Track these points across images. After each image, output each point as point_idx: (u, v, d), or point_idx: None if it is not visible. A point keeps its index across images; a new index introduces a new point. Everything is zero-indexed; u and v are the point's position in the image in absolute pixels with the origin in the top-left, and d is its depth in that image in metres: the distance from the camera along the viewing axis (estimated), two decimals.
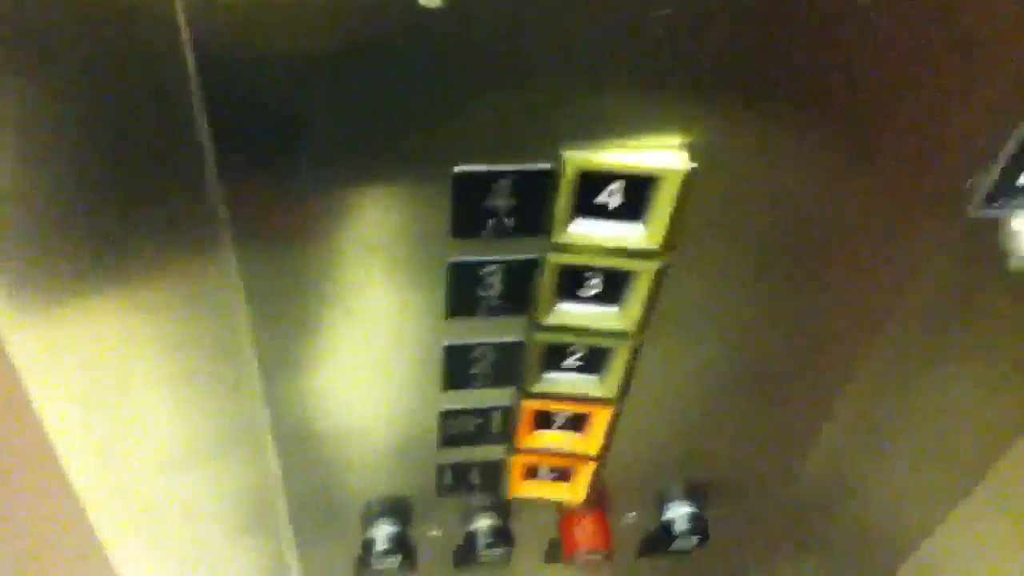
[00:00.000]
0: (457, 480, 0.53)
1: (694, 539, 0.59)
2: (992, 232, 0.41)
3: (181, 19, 0.30)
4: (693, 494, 0.59)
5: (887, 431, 0.56)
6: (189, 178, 0.35)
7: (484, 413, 0.48)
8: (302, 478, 0.51)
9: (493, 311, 0.42)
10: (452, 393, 0.47)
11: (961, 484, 0.63)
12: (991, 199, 0.39)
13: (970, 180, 0.39)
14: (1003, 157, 0.38)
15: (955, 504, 0.65)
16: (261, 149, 0.34)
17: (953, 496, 0.65)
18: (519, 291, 0.41)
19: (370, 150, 0.35)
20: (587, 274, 0.41)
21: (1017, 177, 0.38)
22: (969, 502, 0.64)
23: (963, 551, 0.67)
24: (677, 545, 0.60)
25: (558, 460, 0.52)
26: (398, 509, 0.56)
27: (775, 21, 0.32)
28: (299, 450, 0.49)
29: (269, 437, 0.48)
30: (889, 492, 0.63)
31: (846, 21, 0.33)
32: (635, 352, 0.44)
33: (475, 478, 0.54)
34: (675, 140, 0.36)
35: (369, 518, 0.56)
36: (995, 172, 0.38)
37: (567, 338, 0.44)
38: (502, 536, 0.57)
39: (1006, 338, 0.50)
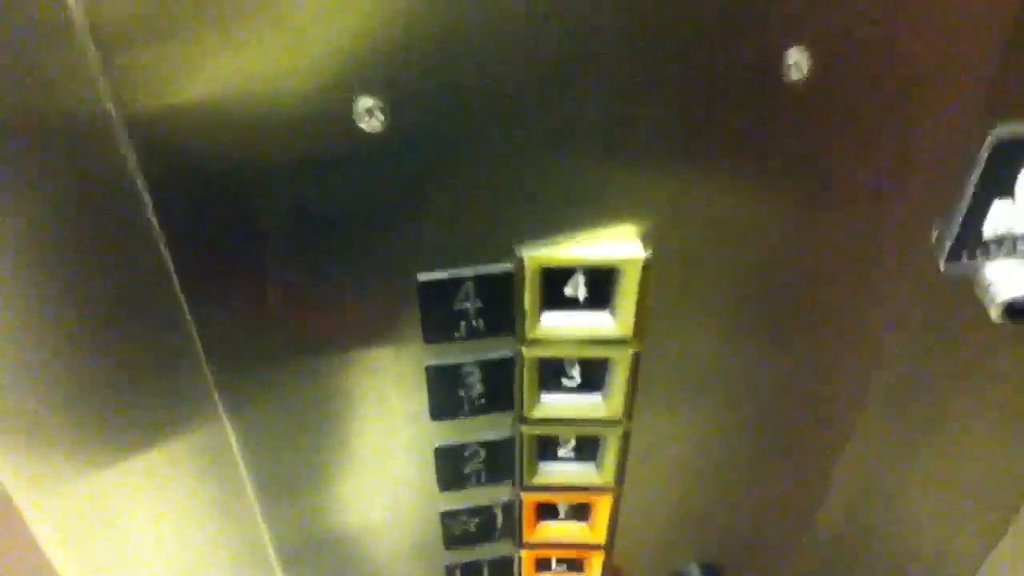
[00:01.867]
0: None
1: None
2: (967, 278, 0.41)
3: (128, 152, 0.31)
4: (710, 567, 0.58)
5: (898, 483, 0.55)
6: (164, 317, 0.36)
7: (485, 511, 0.48)
8: None
9: (477, 409, 0.42)
10: (450, 494, 0.47)
11: (993, 526, 0.61)
12: (956, 253, 0.39)
13: (935, 233, 0.39)
14: (963, 210, 0.38)
15: (990, 548, 0.63)
16: (224, 267, 0.35)
17: (987, 540, 0.62)
18: (501, 388, 0.41)
19: (333, 263, 0.36)
20: (566, 365, 0.41)
21: (978, 228, 0.38)
22: (1006, 545, 0.62)
23: None
24: None
25: (567, 552, 0.52)
26: None
27: (713, 103, 0.33)
28: (305, 565, 0.49)
29: (274, 557, 0.48)
30: (912, 547, 0.62)
31: (781, 102, 0.33)
32: (626, 436, 0.44)
33: (486, 575, 0.53)
34: (630, 229, 0.36)
35: None
36: (957, 225, 0.38)
37: (556, 430, 0.44)
38: None
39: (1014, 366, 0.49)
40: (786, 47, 0.32)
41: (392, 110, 0.31)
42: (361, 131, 0.31)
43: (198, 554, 0.47)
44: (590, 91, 0.32)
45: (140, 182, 0.32)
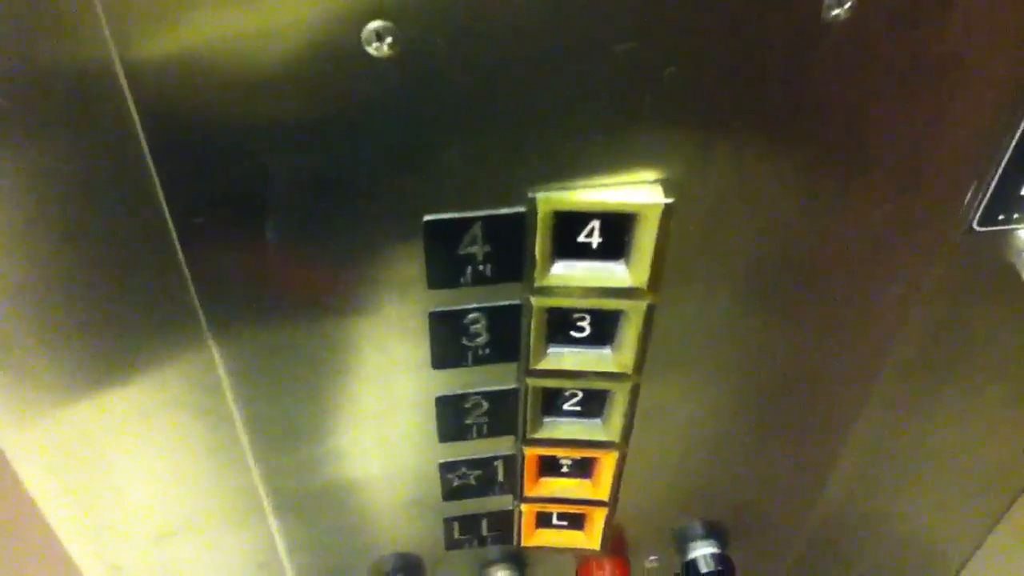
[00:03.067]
0: (466, 532, 0.52)
1: None
2: (994, 245, 0.39)
3: (129, 98, 0.29)
4: (714, 532, 0.57)
5: (907, 457, 0.54)
6: (156, 257, 0.34)
7: (486, 463, 0.47)
8: (305, 540, 0.50)
9: (481, 359, 0.40)
10: (449, 445, 0.45)
11: (997, 505, 0.60)
12: (990, 215, 0.37)
13: (968, 195, 0.37)
14: (1001, 167, 0.36)
15: (991, 530, 0.62)
16: (222, 215, 0.33)
17: (988, 522, 0.62)
18: (506, 337, 0.40)
19: (337, 205, 0.34)
20: (575, 316, 0.40)
21: (1015, 190, 0.36)
22: (1002, 532, 0.61)
23: None
24: None
25: (569, 507, 0.51)
26: (409, 565, 0.54)
27: (743, 46, 0.31)
28: (299, 513, 0.48)
29: (266, 503, 0.47)
30: (917, 521, 0.61)
31: (818, 43, 0.31)
32: (634, 393, 0.43)
33: (485, 529, 0.52)
34: (650, 175, 0.34)
35: (380, 574, 0.55)
36: (993, 183, 0.36)
37: (562, 382, 0.42)
38: None
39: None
40: None
41: (403, 34, 0.29)
42: (370, 57, 0.29)
43: (188, 495, 0.46)
44: (615, 27, 0.30)
45: (137, 118, 0.30)
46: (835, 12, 0.30)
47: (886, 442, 0.52)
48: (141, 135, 0.30)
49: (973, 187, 0.37)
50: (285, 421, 0.43)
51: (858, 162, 0.36)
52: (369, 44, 0.29)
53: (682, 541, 0.57)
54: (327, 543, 0.51)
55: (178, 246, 0.34)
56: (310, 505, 0.48)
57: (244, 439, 0.43)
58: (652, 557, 0.58)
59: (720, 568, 0.56)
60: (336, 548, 0.52)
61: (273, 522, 0.49)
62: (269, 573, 0.52)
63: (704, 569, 0.56)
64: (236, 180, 0.32)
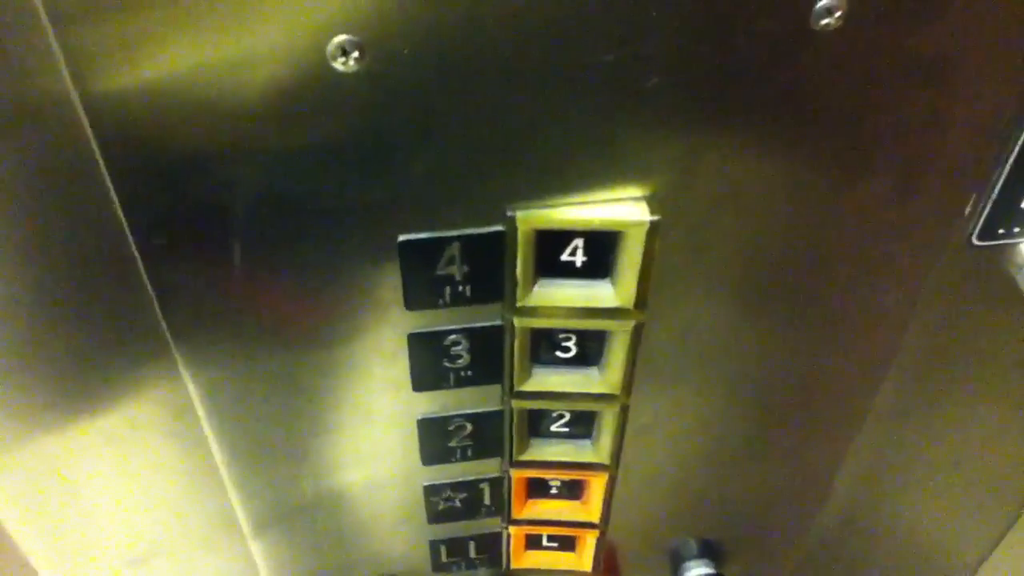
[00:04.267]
0: (453, 555, 0.50)
1: None
2: (994, 258, 0.38)
3: (87, 127, 0.28)
4: (709, 550, 0.55)
5: (910, 470, 0.53)
6: (123, 282, 0.33)
7: (471, 486, 0.45)
8: (286, 564, 0.49)
9: (463, 381, 0.39)
10: (433, 468, 0.44)
11: (1006, 514, 0.59)
12: (990, 228, 0.36)
13: (967, 208, 0.36)
14: (1000, 181, 0.34)
15: (1002, 536, 0.61)
16: (188, 239, 0.32)
17: (998, 528, 0.60)
18: (489, 359, 0.38)
19: (307, 226, 0.33)
20: (560, 336, 0.38)
21: (1015, 203, 0.35)
22: (1010, 543, 0.60)
23: None
24: None
25: (559, 529, 0.49)
26: None
27: (730, 56, 0.30)
28: (279, 537, 0.47)
29: (245, 526, 0.45)
30: (920, 534, 0.59)
31: (808, 52, 0.30)
32: (623, 413, 0.41)
33: (473, 552, 0.51)
34: (634, 191, 0.33)
35: None
36: (992, 197, 0.35)
37: (548, 404, 0.41)
38: None
39: None
40: None
41: (370, 48, 0.27)
42: (336, 72, 0.28)
43: (162, 519, 0.44)
44: (595, 33, 0.29)
45: (96, 147, 0.29)
46: (825, 21, 0.29)
47: (887, 453, 0.50)
48: (101, 162, 0.29)
49: (972, 200, 0.35)
50: (262, 445, 0.41)
51: (852, 172, 0.34)
52: (335, 59, 0.27)
53: (676, 561, 0.55)
54: (308, 567, 0.50)
55: (143, 271, 0.33)
56: (290, 528, 0.47)
57: (220, 463, 0.42)
58: None
59: None
60: (317, 569, 0.50)
61: (253, 545, 0.47)
62: None
63: None
64: (202, 203, 0.31)
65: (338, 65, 0.28)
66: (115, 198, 0.30)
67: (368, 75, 0.28)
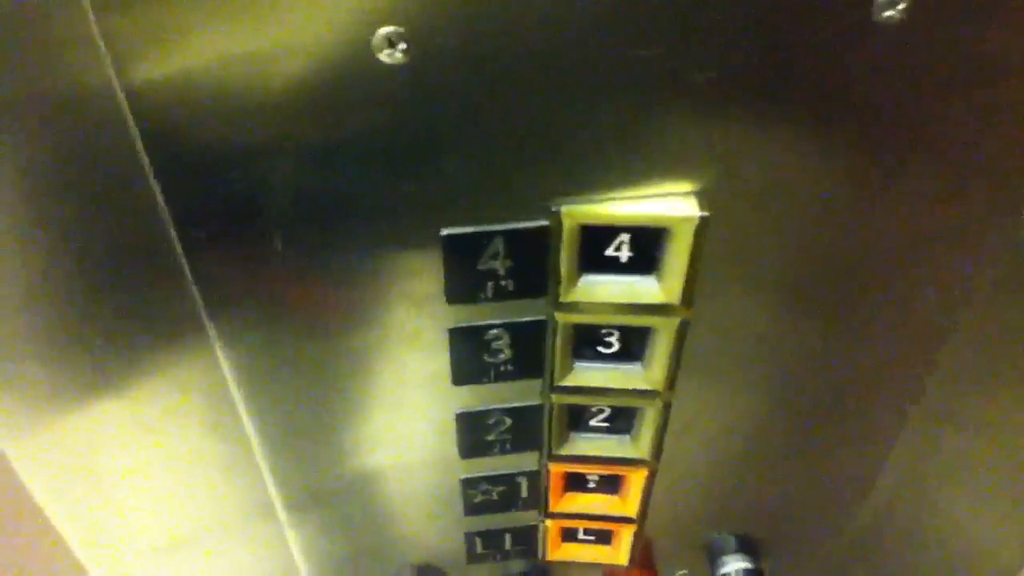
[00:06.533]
0: (489, 547, 0.50)
1: None
2: None
3: (129, 117, 0.28)
4: (746, 547, 0.55)
5: (951, 471, 0.51)
6: (161, 267, 0.33)
7: (509, 479, 0.45)
8: (322, 552, 0.49)
9: (503, 376, 0.38)
10: (471, 461, 0.43)
11: None
12: None
13: (1022, 203, 0.35)
14: None
15: None
16: (230, 229, 0.32)
17: None
18: (530, 354, 0.38)
19: (350, 218, 0.32)
20: (602, 332, 0.37)
21: None
22: None
23: None
24: None
25: (596, 523, 0.49)
26: None
27: (785, 49, 0.29)
28: (315, 525, 0.47)
29: (281, 514, 0.45)
30: (961, 536, 0.58)
31: (867, 45, 0.29)
32: (666, 410, 0.40)
33: (508, 544, 0.50)
34: (683, 186, 0.32)
35: None
36: None
37: (589, 399, 0.40)
38: None
39: None
40: None
41: (415, 40, 0.27)
42: (382, 64, 0.27)
43: (199, 505, 0.44)
44: (645, 26, 0.28)
45: (138, 136, 0.28)
46: (888, 13, 0.27)
47: (929, 455, 0.49)
48: (143, 153, 0.29)
49: None
50: (298, 432, 0.41)
51: (905, 166, 0.33)
52: (381, 51, 0.27)
53: (713, 555, 0.55)
54: (344, 555, 0.50)
55: (183, 258, 0.33)
56: (325, 515, 0.46)
57: (257, 452, 0.41)
58: (682, 572, 0.55)
59: None
60: (353, 560, 0.50)
61: (288, 533, 0.47)
62: None
63: None
64: (243, 194, 0.31)
65: (384, 57, 0.27)
66: (156, 187, 0.30)
67: (413, 67, 0.27)
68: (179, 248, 0.32)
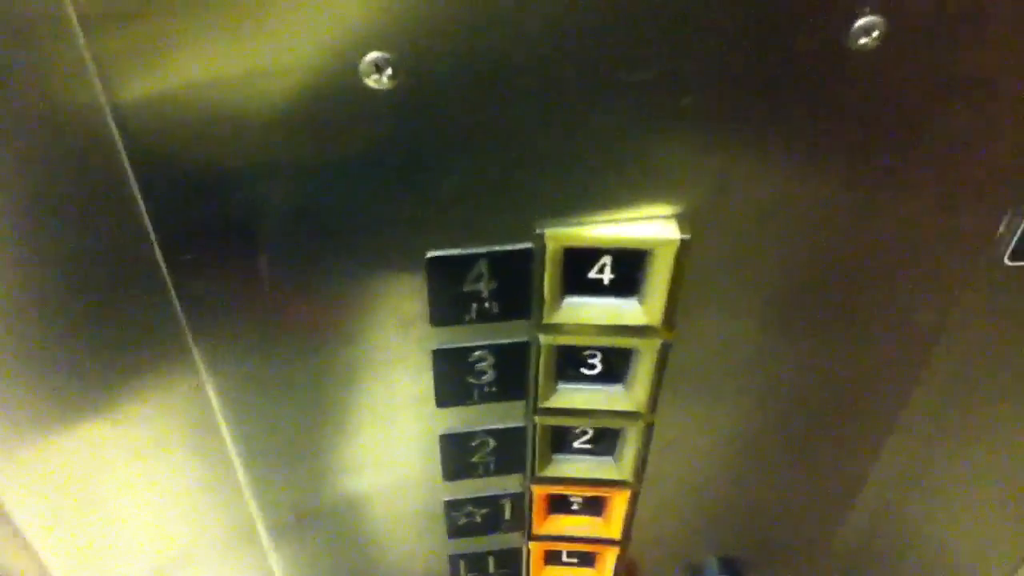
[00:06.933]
0: (473, 570, 0.50)
1: None
2: None
3: (116, 136, 0.28)
4: (730, 566, 0.55)
5: (936, 487, 0.52)
6: (146, 288, 0.33)
7: (492, 501, 0.45)
8: (306, 573, 0.49)
9: (487, 397, 0.39)
10: (455, 483, 0.43)
11: None
12: (1022, 249, 0.35)
13: (1000, 228, 0.35)
14: None
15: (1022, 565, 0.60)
16: (215, 250, 0.32)
17: (1019, 556, 0.59)
18: (514, 375, 0.38)
19: (335, 241, 0.32)
20: (586, 353, 0.38)
21: None
22: None
23: None
24: None
25: (579, 545, 0.49)
26: None
27: (765, 74, 0.29)
28: (298, 547, 0.47)
29: (264, 537, 0.45)
30: (945, 552, 0.58)
31: (845, 71, 0.29)
32: (648, 431, 0.41)
33: (492, 567, 0.50)
34: (664, 209, 0.33)
35: None
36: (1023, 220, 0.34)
37: (572, 421, 0.41)
38: None
39: None
40: (858, 9, 0.28)
41: (403, 65, 0.27)
42: (368, 89, 0.28)
43: (183, 528, 0.44)
44: (628, 51, 0.28)
45: (125, 155, 0.29)
46: (863, 41, 0.28)
47: (914, 468, 0.50)
48: (129, 171, 0.29)
49: (1006, 220, 0.35)
50: (282, 455, 0.41)
51: (888, 187, 0.34)
52: (368, 76, 0.27)
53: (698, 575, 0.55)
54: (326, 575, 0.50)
55: (168, 280, 0.33)
56: (309, 539, 0.46)
57: (240, 474, 0.41)
58: None
59: None
60: None
61: (272, 556, 0.47)
62: None
63: None
64: (230, 215, 0.31)
65: (371, 82, 0.28)
66: (143, 207, 0.30)
67: (400, 92, 0.28)
68: (165, 270, 0.32)
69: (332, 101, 0.28)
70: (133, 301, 0.33)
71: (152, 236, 0.31)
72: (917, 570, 0.58)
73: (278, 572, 0.48)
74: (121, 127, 0.28)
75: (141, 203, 0.30)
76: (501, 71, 0.28)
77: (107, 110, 0.27)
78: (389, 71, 0.27)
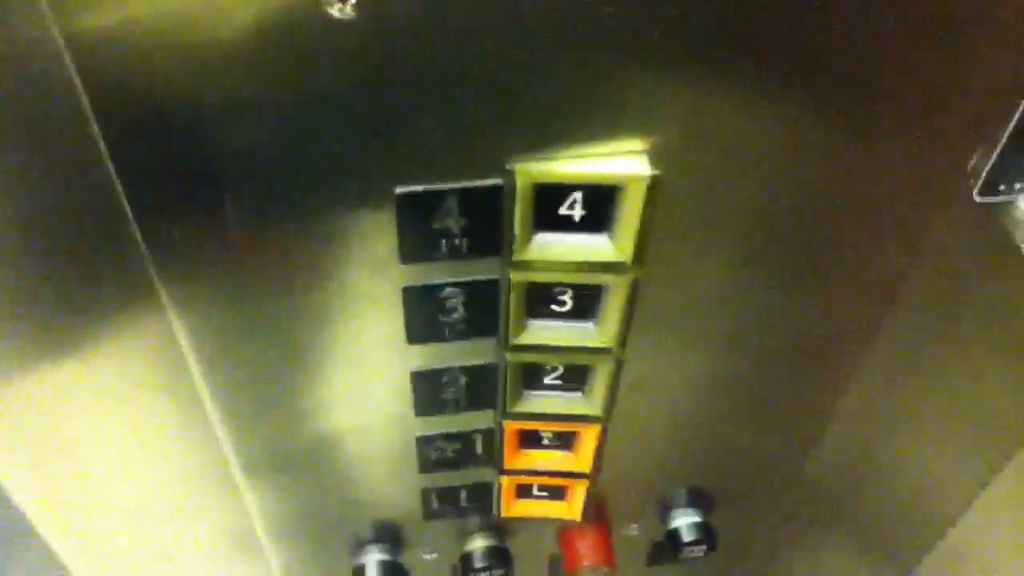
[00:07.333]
0: (444, 504, 0.51)
1: (702, 547, 0.56)
2: (996, 215, 0.37)
3: (73, 72, 0.27)
4: (697, 501, 0.56)
5: (900, 421, 0.53)
6: (111, 231, 0.32)
7: (464, 437, 0.46)
8: (280, 513, 0.49)
9: (458, 334, 0.39)
10: (427, 419, 0.44)
11: (985, 472, 0.60)
12: (993, 183, 0.35)
13: (971, 163, 0.36)
14: (1004, 138, 0.34)
15: (980, 492, 0.62)
16: (179, 191, 0.31)
17: (977, 484, 0.61)
18: (484, 312, 0.38)
19: (301, 179, 0.32)
20: (556, 290, 0.38)
21: (1019, 160, 0.34)
22: (995, 490, 0.61)
23: (990, 539, 0.63)
24: (685, 554, 0.57)
25: (549, 479, 0.49)
26: (388, 535, 0.53)
27: (731, 4, 0.29)
28: (272, 486, 0.47)
29: (238, 476, 0.45)
30: (908, 482, 0.60)
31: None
32: (617, 367, 0.41)
33: (464, 500, 0.51)
34: (635, 144, 0.32)
35: (358, 545, 0.54)
36: (995, 154, 0.34)
37: (542, 357, 0.41)
38: (499, 556, 0.55)
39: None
40: None
41: None
42: (331, 19, 0.27)
43: (157, 470, 0.44)
44: None
45: (85, 96, 0.28)
46: None
47: (879, 404, 0.51)
48: (89, 112, 0.28)
49: (975, 156, 0.35)
50: (254, 395, 0.41)
51: (857, 128, 0.34)
52: (330, 5, 0.26)
53: (664, 510, 0.56)
54: (301, 513, 0.50)
55: (134, 221, 0.32)
56: (283, 478, 0.47)
57: (211, 413, 0.41)
58: (634, 525, 0.57)
59: (701, 537, 0.56)
60: (311, 519, 0.51)
61: (246, 493, 0.47)
62: (245, 546, 0.51)
63: (686, 538, 0.56)
64: (193, 153, 0.30)
65: (333, 11, 0.27)
66: (103, 145, 0.29)
67: (364, 22, 0.27)
68: (130, 211, 0.32)
69: (295, 32, 0.27)
70: (99, 243, 0.33)
71: (115, 177, 0.30)
72: (881, 500, 0.60)
73: (252, 509, 0.49)
74: (77, 61, 0.27)
75: (103, 144, 0.29)
76: (469, 2, 0.27)
77: (63, 47, 0.26)
78: (352, 0, 0.26)
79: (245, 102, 0.29)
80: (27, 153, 0.29)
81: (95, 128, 0.29)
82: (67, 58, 0.27)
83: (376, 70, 0.29)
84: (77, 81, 0.27)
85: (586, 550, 0.55)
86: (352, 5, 0.26)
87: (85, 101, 0.28)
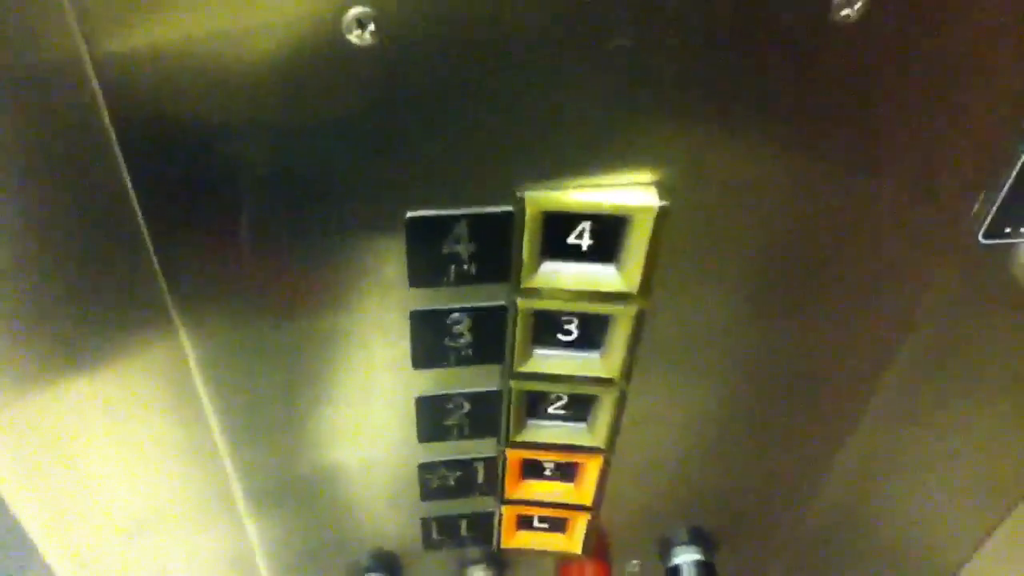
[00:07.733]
0: (445, 533, 0.51)
1: None
2: (1001, 257, 0.38)
3: (98, 93, 0.28)
4: (699, 538, 0.56)
5: (905, 462, 0.53)
6: (127, 251, 0.33)
7: (466, 464, 0.46)
8: (279, 537, 0.49)
9: (464, 360, 0.39)
10: (429, 445, 0.44)
11: (990, 518, 0.59)
12: (998, 225, 0.36)
13: (975, 206, 0.36)
14: (1009, 180, 0.34)
15: (985, 539, 0.61)
16: (195, 211, 0.32)
17: (989, 523, 0.61)
18: (491, 339, 0.38)
19: (315, 200, 0.32)
20: (562, 319, 0.38)
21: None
22: (1000, 535, 0.60)
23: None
24: None
25: (551, 511, 0.49)
26: (387, 563, 0.53)
27: (746, 45, 0.30)
28: (273, 509, 0.47)
29: (240, 499, 0.45)
30: (912, 525, 0.60)
31: (825, 43, 0.30)
32: (621, 398, 0.41)
33: (464, 530, 0.51)
34: (644, 176, 0.33)
35: (358, 574, 0.53)
36: (1000, 197, 0.35)
37: (547, 386, 0.41)
38: None
39: None
40: None
41: (384, 22, 0.27)
42: (350, 45, 0.28)
43: (158, 489, 0.44)
44: (613, 18, 0.28)
45: (106, 114, 0.28)
46: (844, 12, 0.28)
47: (883, 448, 0.51)
48: (111, 130, 0.29)
49: (981, 198, 0.35)
50: (259, 418, 0.41)
51: (863, 167, 0.34)
52: (350, 32, 0.27)
53: (666, 547, 0.56)
54: (301, 540, 0.50)
55: (149, 241, 0.33)
56: (284, 502, 0.47)
57: (217, 435, 0.41)
58: (634, 561, 0.56)
59: None
60: (310, 545, 0.50)
61: (247, 519, 0.47)
62: (242, 570, 0.51)
63: None
64: (210, 175, 0.31)
65: (353, 38, 0.27)
66: (123, 165, 0.30)
67: (383, 49, 0.28)
68: (145, 231, 0.32)
69: (314, 58, 0.28)
70: (113, 262, 0.33)
71: (132, 196, 0.31)
72: (885, 544, 0.60)
73: (253, 535, 0.48)
74: (102, 81, 0.28)
75: (122, 163, 0.30)
76: (485, 32, 0.28)
77: (89, 66, 0.27)
78: (372, 27, 0.27)
79: (263, 124, 0.29)
80: (48, 171, 0.30)
81: (116, 149, 0.29)
82: (93, 81, 0.27)
83: (392, 96, 0.29)
84: (101, 102, 0.28)
85: None
86: (371, 32, 0.27)
87: (107, 122, 0.29)
